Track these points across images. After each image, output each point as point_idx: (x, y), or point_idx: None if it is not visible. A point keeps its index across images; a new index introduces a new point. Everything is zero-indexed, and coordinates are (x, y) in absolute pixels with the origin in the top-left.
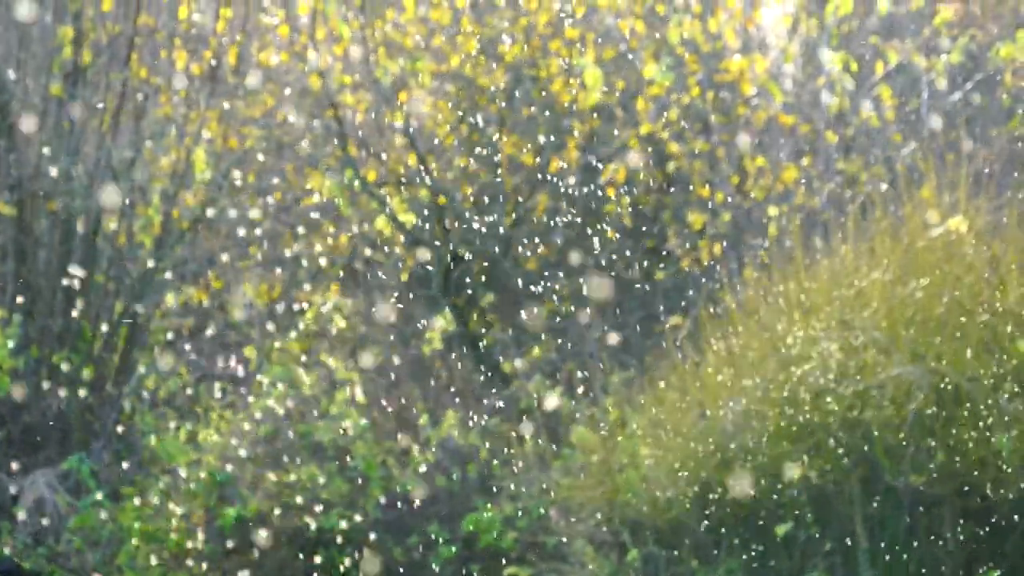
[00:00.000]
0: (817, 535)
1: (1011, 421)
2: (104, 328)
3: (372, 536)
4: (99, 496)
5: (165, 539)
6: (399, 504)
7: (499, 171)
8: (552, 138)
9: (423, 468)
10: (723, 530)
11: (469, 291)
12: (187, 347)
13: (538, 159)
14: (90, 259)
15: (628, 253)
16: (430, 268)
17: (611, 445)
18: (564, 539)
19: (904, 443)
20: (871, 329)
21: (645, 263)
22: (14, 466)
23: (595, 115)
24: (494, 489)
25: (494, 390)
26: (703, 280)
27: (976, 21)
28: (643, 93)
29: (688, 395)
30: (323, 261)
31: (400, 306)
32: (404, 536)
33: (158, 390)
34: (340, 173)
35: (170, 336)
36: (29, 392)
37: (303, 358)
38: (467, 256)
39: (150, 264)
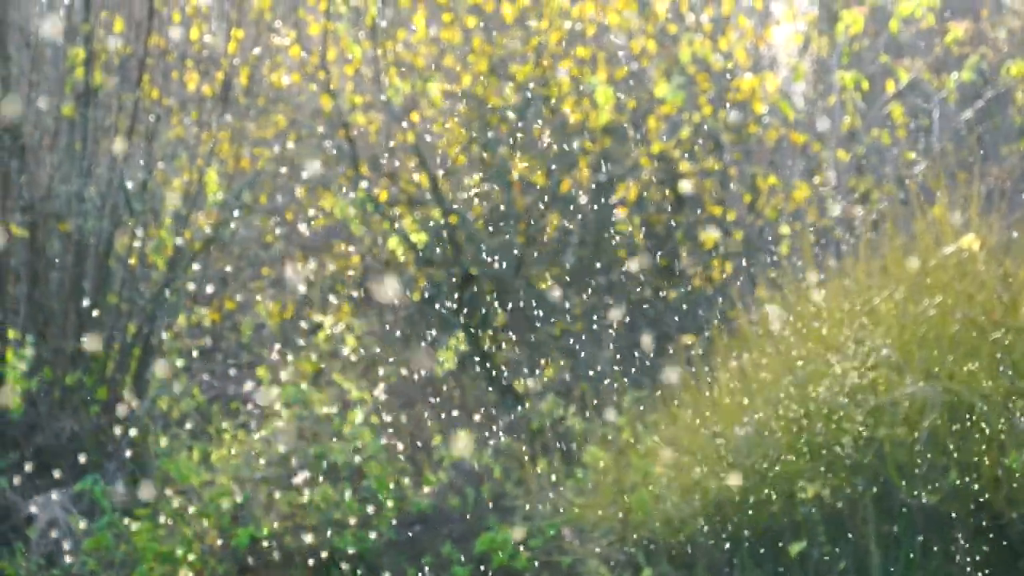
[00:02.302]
0: (831, 554)
1: (1023, 439)
2: (117, 349)
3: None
4: (113, 516)
5: (179, 560)
6: (412, 524)
7: (511, 190)
8: (563, 157)
9: (436, 488)
10: (736, 549)
11: (483, 310)
12: (209, 362)
13: (549, 178)
14: (103, 280)
15: (640, 272)
16: (442, 287)
17: (624, 464)
18: (577, 559)
19: (917, 461)
20: (884, 347)
21: (657, 282)
22: (27, 487)
23: (606, 134)
24: (507, 509)
25: (507, 410)
26: (715, 299)
27: (987, 39)
28: (654, 112)
29: (701, 414)
30: (335, 281)
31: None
32: (417, 556)
33: (171, 411)
34: (352, 193)
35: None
36: (42, 413)
37: (316, 378)
38: (478, 274)
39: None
